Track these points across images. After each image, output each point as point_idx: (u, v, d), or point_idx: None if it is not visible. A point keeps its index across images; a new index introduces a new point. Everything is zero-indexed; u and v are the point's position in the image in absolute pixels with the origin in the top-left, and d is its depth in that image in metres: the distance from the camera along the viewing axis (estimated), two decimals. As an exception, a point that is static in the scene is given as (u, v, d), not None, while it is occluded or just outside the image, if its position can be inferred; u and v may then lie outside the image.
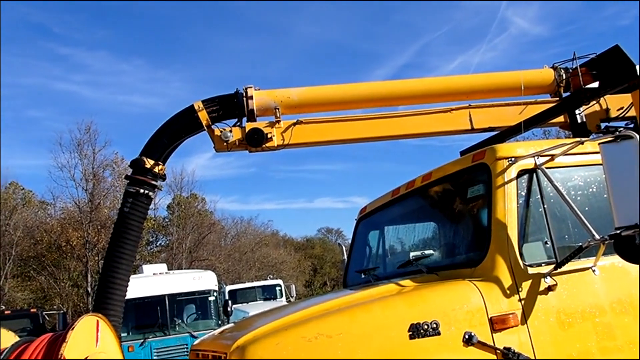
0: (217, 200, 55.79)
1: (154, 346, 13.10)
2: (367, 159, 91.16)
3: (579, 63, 5.57)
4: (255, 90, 5.78)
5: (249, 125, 5.76)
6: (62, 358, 3.46)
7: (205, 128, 5.71)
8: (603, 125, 5.88)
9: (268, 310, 5.04)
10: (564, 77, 5.95)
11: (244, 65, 74.86)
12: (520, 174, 3.90)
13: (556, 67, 6.03)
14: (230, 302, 14.47)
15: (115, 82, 65.54)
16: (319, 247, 67.12)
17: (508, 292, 3.60)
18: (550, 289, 3.63)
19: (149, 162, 5.52)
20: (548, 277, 3.64)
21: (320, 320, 3.53)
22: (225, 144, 5.72)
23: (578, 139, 3.97)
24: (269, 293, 24.32)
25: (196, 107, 5.65)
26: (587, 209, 3.81)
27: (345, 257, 6.21)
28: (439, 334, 3.38)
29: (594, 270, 3.76)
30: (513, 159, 3.90)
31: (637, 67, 4.73)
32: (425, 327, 3.37)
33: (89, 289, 31.77)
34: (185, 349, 12.92)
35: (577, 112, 5.24)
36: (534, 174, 3.91)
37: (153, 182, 5.54)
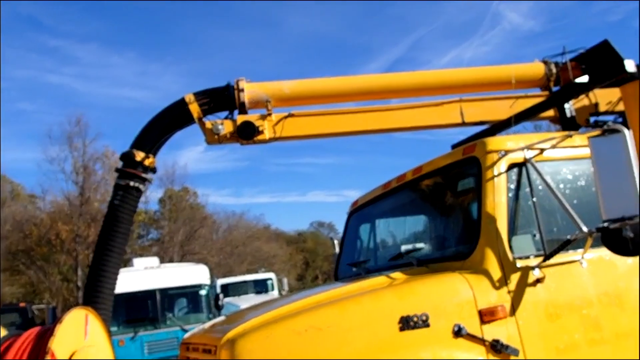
0: (210, 194, 55.87)
1: (145, 340, 13.09)
2: (360, 152, 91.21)
3: (568, 57, 5.59)
4: (247, 82, 5.76)
5: (240, 118, 5.74)
6: (49, 352, 3.44)
7: (197, 121, 5.69)
8: (592, 119, 5.92)
9: (259, 304, 5.05)
10: (554, 71, 5.97)
11: (237, 59, 74.56)
12: (510, 167, 3.92)
13: (546, 62, 6.06)
14: (221, 295, 14.47)
15: (106, 75, 65.06)
16: (311, 240, 67.15)
17: (497, 284, 3.63)
18: (538, 281, 3.66)
19: (140, 155, 5.49)
20: (536, 270, 3.67)
21: (311, 313, 3.54)
22: (216, 136, 5.70)
23: (567, 133, 4.00)
24: (260, 287, 24.33)
25: (187, 100, 5.62)
26: (575, 202, 3.85)
27: (337, 251, 6.23)
28: (428, 326, 3.40)
29: (581, 263, 3.80)
30: (503, 152, 3.92)
31: (626, 61, 4.76)
32: (415, 319, 3.39)
33: (79, 283, 31.65)
34: (177, 343, 12.89)
35: (566, 106, 5.27)
36: (524, 167, 3.94)
37: (143, 175, 5.51)
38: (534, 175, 3.90)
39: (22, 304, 21.21)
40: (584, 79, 5.16)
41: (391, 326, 3.37)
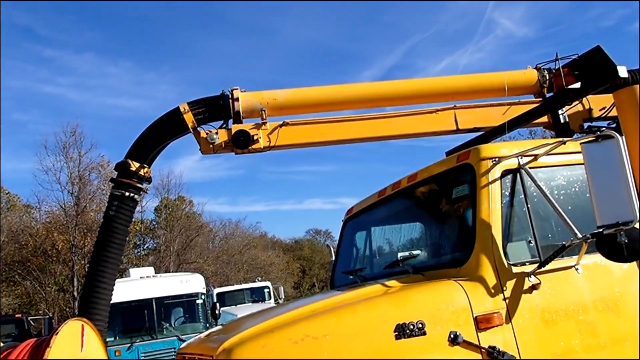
0: (206, 203, 55.78)
1: (142, 350, 13.03)
2: (356, 159, 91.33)
3: (561, 64, 5.63)
4: (241, 92, 5.77)
5: (235, 127, 5.75)
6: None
7: (191, 130, 5.69)
8: (586, 125, 5.95)
9: (255, 313, 5.04)
10: (547, 77, 6.01)
11: (232, 67, 74.75)
12: (504, 174, 3.93)
13: (539, 68, 6.09)
14: (218, 304, 14.46)
15: (102, 85, 64.90)
16: (307, 248, 67.04)
17: (493, 291, 3.63)
18: (534, 287, 3.67)
19: (135, 165, 5.49)
20: (532, 276, 3.68)
21: (307, 322, 3.53)
22: (211, 146, 5.70)
23: (560, 139, 4.02)
24: (257, 295, 24.26)
25: (182, 109, 5.62)
26: (569, 208, 3.86)
27: (334, 257, 6.22)
28: (424, 333, 3.40)
29: (577, 269, 3.81)
30: (497, 159, 3.94)
31: (618, 67, 4.80)
32: (411, 327, 3.38)
33: (75, 294, 31.43)
34: (173, 353, 12.85)
35: (559, 112, 5.29)
36: (518, 174, 3.95)
37: (139, 185, 5.51)
38: (528, 182, 3.91)
39: (18, 315, 21.10)
40: (577, 85, 5.19)
41: (387, 334, 3.36)
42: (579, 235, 3.54)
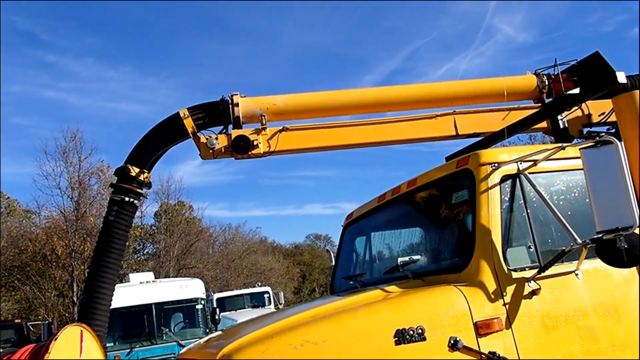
0: (205, 208, 55.74)
1: (141, 356, 13.00)
2: (356, 164, 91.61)
3: (560, 69, 5.64)
4: (241, 97, 5.78)
5: (234, 133, 5.75)
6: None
7: (191, 135, 5.70)
8: (585, 130, 5.96)
9: (255, 318, 5.03)
10: (547, 83, 6.02)
11: (232, 72, 74.98)
12: (504, 179, 3.94)
13: (538, 74, 6.11)
14: (218, 310, 14.39)
15: (102, 89, 65.22)
16: (307, 253, 67.00)
17: (492, 296, 3.62)
18: (534, 293, 3.66)
19: (134, 170, 5.49)
20: (532, 281, 3.68)
21: (307, 327, 3.52)
22: (211, 151, 5.71)
23: (560, 145, 4.02)
24: (257, 300, 24.22)
25: (182, 115, 5.63)
26: (569, 213, 3.86)
27: (334, 262, 6.21)
28: (424, 339, 3.39)
29: (577, 274, 3.81)
30: (496, 164, 3.94)
31: (617, 73, 4.81)
32: (411, 332, 3.38)
33: (75, 299, 31.39)
34: (173, 358, 12.82)
35: (559, 117, 5.30)
36: (517, 179, 3.95)
37: (138, 190, 5.51)
38: (527, 187, 3.91)
39: (17, 321, 21.05)
40: (576, 91, 5.20)
41: (387, 340, 3.35)
42: (579, 241, 3.54)
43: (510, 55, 74.96)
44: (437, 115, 6.17)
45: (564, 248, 3.61)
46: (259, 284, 31.12)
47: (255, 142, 5.72)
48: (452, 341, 3.40)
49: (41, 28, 62.70)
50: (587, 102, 5.59)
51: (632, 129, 4.30)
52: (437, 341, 3.40)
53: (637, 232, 3.30)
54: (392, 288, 4.06)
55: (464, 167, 4.08)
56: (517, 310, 3.61)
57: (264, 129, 5.81)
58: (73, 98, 65.06)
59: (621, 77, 4.75)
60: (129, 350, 12.94)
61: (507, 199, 3.93)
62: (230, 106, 5.67)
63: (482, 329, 3.49)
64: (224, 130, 5.83)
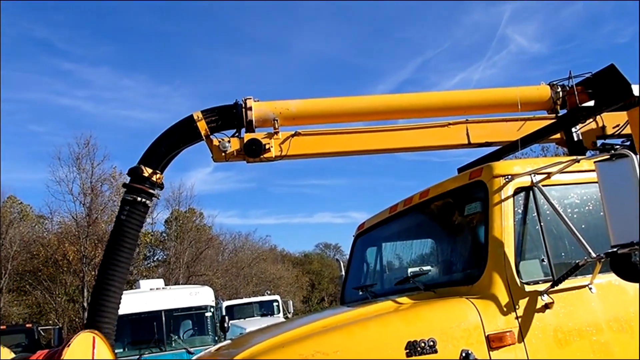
0: (216, 215, 55.96)
1: (150, 362, 12.99)
2: (367, 174, 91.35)
3: (575, 82, 5.62)
4: (255, 101, 5.83)
5: (247, 136, 5.80)
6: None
7: (204, 138, 5.76)
8: (599, 142, 5.92)
9: (265, 327, 5.03)
10: (561, 94, 6.00)
11: (245, 82, 75.45)
12: (517, 191, 3.91)
13: (553, 85, 6.09)
14: (227, 317, 14.39)
15: (117, 97, 65.99)
16: (317, 262, 66.89)
17: (505, 309, 3.59)
18: (547, 306, 3.63)
19: (147, 171, 5.56)
20: (545, 295, 3.64)
21: (318, 338, 3.51)
22: (223, 154, 5.76)
23: (574, 157, 4.00)
24: (266, 309, 24.18)
25: (195, 117, 5.70)
26: (583, 226, 3.83)
27: (343, 272, 6.20)
28: (436, 351, 3.37)
29: (590, 288, 3.77)
30: (510, 176, 3.92)
31: (633, 86, 4.78)
32: (423, 344, 3.36)
33: (85, 304, 31.50)
34: (182, 365, 12.82)
35: (573, 130, 5.27)
36: (531, 192, 3.93)
37: (151, 191, 5.58)
38: (541, 200, 3.89)
39: (28, 325, 21.16)
40: (591, 103, 5.18)
41: (398, 352, 3.33)
42: (593, 255, 3.51)
43: (523, 66, 74.80)
44: (450, 124, 6.16)
45: (577, 261, 3.58)
46: (268, 292, 31.11)
47: (267, 146, 5.76)
48: (463, 354, 3.37)
49: (58, 37, 63.72)
50: (601, 114, 5.56)
51: (647, 142, 4.27)
52: (448, 354, 3.38)
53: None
54: (403, 299, 4.04)
55: (477, 179, 4.06)
56: (529, 323, 3.58)
57: (276, 133, 5.85)
58: (88, 106, 65.86)
59: (636, 90, 4.72)
60: (138, 356, 12.92)
61: (520, 211, 3.91)
62: (244, 110, 5.73)
63: (494, 342, 3.46)
64: (237, 134, 5.88)
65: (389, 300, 4.07)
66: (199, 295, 14.54)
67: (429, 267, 4.73)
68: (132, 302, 13.43)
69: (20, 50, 56.18)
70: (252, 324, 17.79)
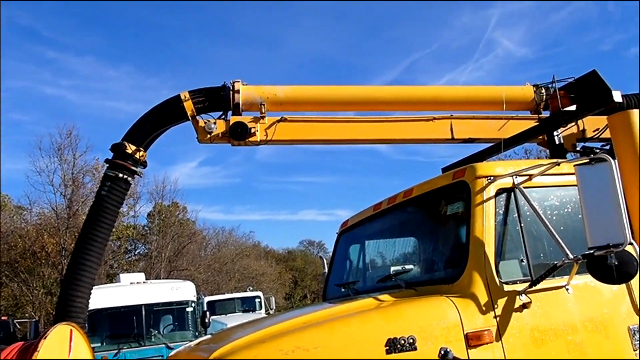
0: (200, 210, 55.52)
1: (129, 357, 12.88)
2: (352, 172, 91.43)
3: (558, 86, 5.70)
4: (243, 85, 5.83)
5: (233, 119, 5.81)
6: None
7: (190, 118, 5.77)
8: (580, 145, 6.03)
9: (246, 323, 5.03)
10: (544, 97, 6.08)
11: (235, 76, 73.14)
12: (499, 192, 3.97)
13: (537, 86, 6.17)
14: (208, 313, 14.33)
15: (102, 88, 65.04)
16: (300, 259, 66.84)
17: (484, 308, 3.65)
18: (525, 306, 3.69)
19: (131, 148, 5.56)
20: (523, 295, 3.70)
21: (298, 334, 3.53)
22: (208, 135, 5.76)
23: (554, 160, 4.06)
24: (248, 305, 24.13)
25: (182, 97, 5.70)
26: (562, 228, 3.90)
27: (326, 270, 6.22)
28: (415, 349, 3.41)
29: (567, 289, 3.84)
30: (492, 177, 3.98)
31: (613, 92, 4.87)
32: (402, 342, 3.40)
33: (64, 297, 31.12)
34: (161, 360, 12.76)
35: (555, 133, 5.35)
36: (512, 193, 3.99)
37: (133, 168, 5.56)
38: (521, 201, 3.95)
39: (4, 318, 20.92)
40: (573, 108, 5.26)
41: (378, 348, 3.37)
42: (570, 256, 3.58)
43: (510, 70, 75.40)
44: (435, 118, 6.23)
45: (555, 262, 3.65)
46: (251, 288, 31.02)
47: (252, 130, 5.77)
48: (442, 352, 3.41)
49: (43, 24, 62.55)
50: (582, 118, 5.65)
51: (626, 147, 4.34)
52: (427, 351, 3.42)
53: (628, 249, 3.34)
54: (384, 297, 4.08)
55: (460, 179, 4.11)
56: (507, 323, 3.64)
57: (263, 117, 5.87)
58: (72, 95, 64.96)
59: (617, 96, 4.81)
60: (116, 351, 12.83)
61: (501, 212, 3.96)
62: (231, 92, 5.74)
63: (472, 340, 3.51)
64: (223, 116, 5.88)
65: (371, 298, 4.11)
66: (180, 290, 14.47)
67: (411, 266, 4.77)
68: (112, 296, 13.32)
69: (4, 37, 55.17)
70: (234, 319, 17.71)
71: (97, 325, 12.57)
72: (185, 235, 41.11)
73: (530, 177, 4.02)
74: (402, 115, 6.33)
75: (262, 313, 23.05)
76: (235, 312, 22.94)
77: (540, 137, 6.03)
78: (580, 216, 3.60)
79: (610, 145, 5.24)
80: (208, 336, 5.12)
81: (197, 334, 13.80)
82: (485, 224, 3.86)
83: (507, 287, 3.73)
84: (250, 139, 5.78)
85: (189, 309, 14.34)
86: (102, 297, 13.10)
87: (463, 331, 3.52)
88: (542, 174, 4.02)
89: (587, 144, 6.06)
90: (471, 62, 77.24)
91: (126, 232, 38.22)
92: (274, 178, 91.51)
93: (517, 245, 3.92)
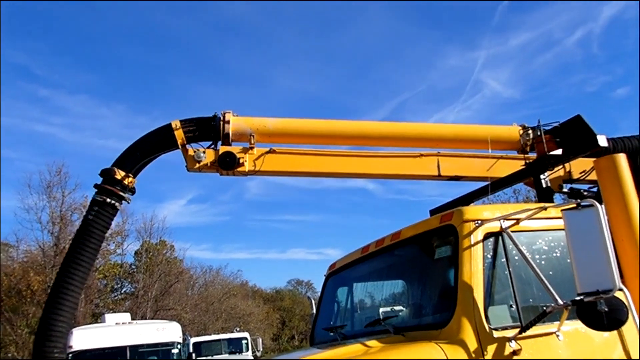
0: (188, 248, 55.10)
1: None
2: (341, 211, 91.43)
3: (543, 129, 5.78)
4: (234, 116, 5.88)
5: (222, 149, 5.83)
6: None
7: (180, 147, 5.80)
8: (567, 186, 6.07)
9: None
10: (530, 137, 6.14)
11: (223, 113, 75.26)
12: (487, 236, 3.96)
13: (524, 126, 6.25)
14: (194, 355, 14.07)
15: (93, 126, 65.25)
16: (288, 299, 65.97)
17: (473, 355, 3.58)
18: (515, 353, 3.63)
19: (120, 174, 5.56)
20: (513, 341, 3.65)
21: (284, 381, 3.45)
22: (197, 164, 5.79)
23: (542, 205, 4.08)
24: (234, 346, 23.65)
25: (173, 126, 5.74)
26: (551, 273, 3.88)
27: (314, 311, 6.13)
28: (403, 398, 3.32)
29: (558, 335, 3.78)
30: (479, 221, 3.97)
31: (598, 136, 4.94)
32: (390, 390, 3.31)
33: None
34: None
35: (541, 177, 5.39)
36: (500, 237, 3.98)
37: (121, 194, 5.55)
38: (509, 245, 3.93)
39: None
40: (559, 151, 5.32)
41: (365, 397, 3.28)
42: (560, 302, 3.54)
43: (497, 110, 76.61)
44: (422, 155, 6.27)
45: (545, 308, 3.61)
46: (237, 329, 30.50)
47: (241, 160, 5.79)
48: (431, 401, 3.33)
49: (37, 63, 63.02)
50: (568, 161, 5.70)
51: (613, 191, 4.37)
52: (416, 400, 3.33)
53: (618, 295, 3.32)
54: (372, 343, 4.00)
55: (447, 223, 4.10)
56: (497, 370, 3.57)
57: (252, 148, 5.91)
58: (63, 133, 64.95)
59: (602, 141, 4.88)
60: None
61: (489, 256, 3.94)
62: (222, 123, 5.79)
63: (462, 388, 3.43)
64: (213, 146, 5.90)
65: (358, 343, 4.02)
66: (166, 331, 14.22)
67: (400, 308, 4.71)
68: (96, 337, 13.04)
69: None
70: (220, 362, 17.34)
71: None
72: (172, 274, 40.59)
73: (518, 221, 4.02)
74: (389, 151, 6.39)
75: (248, 355, 22.59)
76: (221, 354, 22.46)
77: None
78: (568, 260, 3.59)
79: (597, 187, 5.29)
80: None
81: (182, 377, 13.47)
82: (474, 268, 3.83)
83: (496, 334, 3.67)
84: (238, 169, 5.81)
85: (175, 351, 14.05)
86: (86, 338, 12.81)
87: (452, 379, 3.45)
88: (529, 218, 4.02)
89: (574, 185, 6.11)
90: (459, 102, 78.49)
91: (113, 270, 37.68)
92: (263, 216, 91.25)
93: (506, 290, 3.88)
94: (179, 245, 49.62)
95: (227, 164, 5.74)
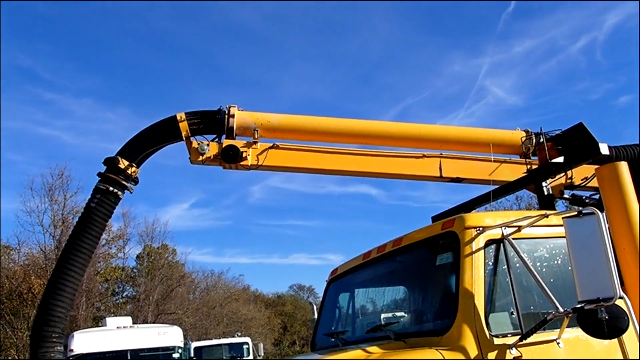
0: (189, 252, 54.90)
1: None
2: (343, 216, 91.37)
3: (545, 137, 5.79)
4: (239, 110, 5.92)
5: (226, 142, 5.88)
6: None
7: (184, 139, 5.83)
8: (569, 192, 6.08)
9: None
10: (533, 142, 6.15)
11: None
12: (488, 243, 3.97)
13: (527, 131, 6.27)
14: (195, 359, 14.04)
15: (97, 129, 65.39)
16: (290, 304, 65.92)
17: (474, 362, 3.59)
18: (515, 360, 3.64)
19: (124, 163, 5.60)
20: (514, 349, 3.65)
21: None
22: (200, 157, 5.83)
23: (543, 212, 4.09)
24: (235, 351, 23.64)
25: (178, 118, 5.78)
26: (552, 280, 3.89)
27: (316, 316, 6.14)
28: (404, 404, 3.33)
29: (558, 343, 3.79)
30: (481, 228, 3.98)
31: (600, 145, 4.96)
32: (391, 396, 3.32)
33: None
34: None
35: (543, 184, 5.40)
36: (501, 244, 3.99)
37: (124, 183, 5.58)
38: (511, 253, 3.94)
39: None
40: (560, 159, 5.33)
41: (366, 403, 3.29)
42: (560, 309, 3.55)
43: (501, 117, 76.49)
44: (425, 155, 6.30)
45: (546, 316, 3.62)
46: (239, 334, 30.41)
47: (244, 154, 5.83)
48: (431, 407, 3.34)
49: (43, 66, 63.32)
50: (570, 168, 5.72)
51: (614, 199, 4.38)
52: (416, 407, 3.34)
53: (618, 303, 3.33)
54: (373, 349, 4.00)
55: (449, 230, 4.12)
56: (498, 377, 3.58)
57: (255, 143, 5.95)
58: (68, 136, 65.18)
59: (604, 149, 4.89)
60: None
61: (490, 263, 3.95)
62: (226, 116, 5.83)
63: (462, 395, 3.44)
64: (217, 139, 5.94)
65: (359, 349, 4.03)
66: (167, 335, 14.23)
67: (401, 314, 4.72)
68: (97, 341, 13.05)
69: (3, 77, 55.71)
70: (221, 366, 17.32)
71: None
72: (174, 278, 40.56)
73: (520, 228, 4.03)
74: (392, 150, 6.42)
75: (250, 360, 22.56)
76: (222, 359, 22.44)
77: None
78: (569, 267, 3.60)
79: (599, 195, 5.30)
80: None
81: (183, 381, 13.46)
82: (475, 275, 3.84)
83: (497, 341, 3.68)
84: (241, 163, 5.86)
85: (176, 355, 14.07)
86: (88, 341, 12.82)
87: (453, 386, 3.45)
88: (531, 225, 4.03)
89: (575, 192, 6.12)
90: (462, 109, 78.32)
91: (114, 273, 37.71)
92: (266, 221, 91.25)
93: (507, 297, 3.89)
94: (181, 249, 49.53)
95: (230, 157, 5.79)
